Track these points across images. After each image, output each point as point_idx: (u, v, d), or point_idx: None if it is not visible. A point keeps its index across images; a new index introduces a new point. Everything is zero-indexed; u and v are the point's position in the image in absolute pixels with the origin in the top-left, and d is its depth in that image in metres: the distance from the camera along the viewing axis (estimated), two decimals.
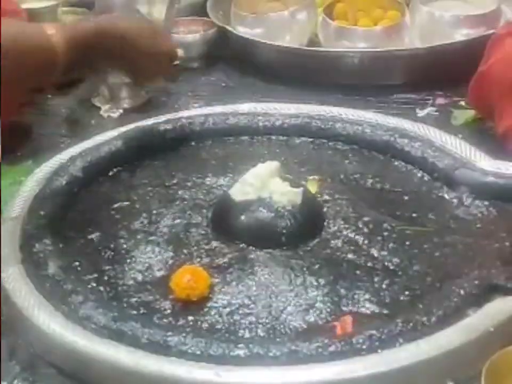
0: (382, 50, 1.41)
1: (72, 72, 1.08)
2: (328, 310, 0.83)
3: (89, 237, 0.95)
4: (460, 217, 0.98)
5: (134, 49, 1.08)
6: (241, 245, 0.92)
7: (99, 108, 1.37)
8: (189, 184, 1.06)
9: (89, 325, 0.79)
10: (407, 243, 0.92)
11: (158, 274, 0.89)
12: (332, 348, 0.75)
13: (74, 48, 0.99)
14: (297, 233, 0.93)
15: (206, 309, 0.83)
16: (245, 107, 1.23)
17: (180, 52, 1.50)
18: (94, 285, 0.87)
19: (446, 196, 1.02)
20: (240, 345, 0.76)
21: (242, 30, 1.52)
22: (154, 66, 1.15)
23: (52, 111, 1.39)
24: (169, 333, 0.77)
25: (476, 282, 0.82)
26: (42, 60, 0.98)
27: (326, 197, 1.01)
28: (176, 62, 1.25)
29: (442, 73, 1.36)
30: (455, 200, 1.01)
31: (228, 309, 0.83)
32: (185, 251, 0.92)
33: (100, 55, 1.08)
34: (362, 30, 1.47)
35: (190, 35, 1.54)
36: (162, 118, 1.20)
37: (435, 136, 1.11)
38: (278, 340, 0.78)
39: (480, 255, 0.89)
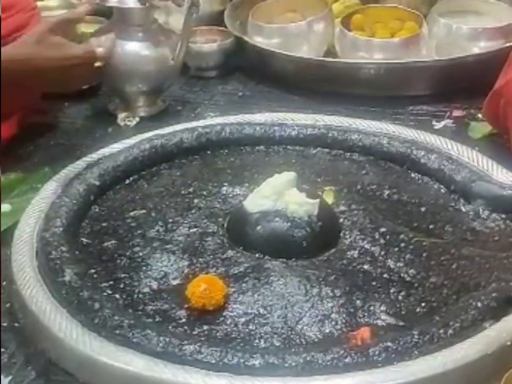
0: (399, 62, 1.41)
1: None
2: (344, 321, 0.82)
3: (105, 244, 0.96)
4: (476, 229, 0.98)
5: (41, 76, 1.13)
6: (257, 255, 0.92)
7: (116, 116, 1.38)
8: (205, 193, 1.06)
9: (104, 332, 0.79)
10: (424, 255, 0.92)
11: (174, 282, 0.89)
12: (347, 359, 0.75)
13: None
14: (313, 244, 0.93)
15: (221, 318, 0.83)
16: (261, 117, 1.23)
17: (196, 62, 1.52)
18: (110, 292, 0.87)
19: (463, 209, 1.02)
20: (255, 355, 0.76)
21: (259, 40, 1.53)
22: (74, 75, 1.18)
23: (69, 119, 1.40)
24: (185, 342, 0.77)
25: (493, 295, 0.82)
26: None
27: (342, 208, 1.01)
28: (98, 64, 1.25)
29: (459, 86, 1.36)
30: (471, 213, 1.01)
31: (243, 319, 0.83)
32: (201, 260, 0.92)
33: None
34: (379, 41, 1.47)
35: (207, 44, 1.54)
36: (178, 127, 1.20)
37: (452, 148, 1.11)
38: (293, 350, 0.78)
39: (497, 268, 0.89)
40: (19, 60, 1.09)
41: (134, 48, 1.33)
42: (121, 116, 1.37)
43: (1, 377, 0.81)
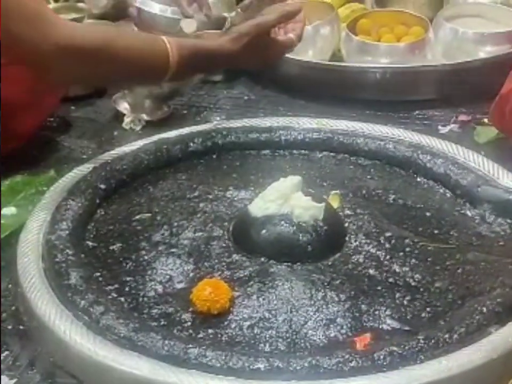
0: (405, 66, 1.42)
1: (177, 79, 1.19)
2: (349, 325, 0.82)
3: (111, 247, 0.96)
4: (482, 234, 0.97)
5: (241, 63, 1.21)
6: (262, 259, 0.92)
7: (122, 120, 1.38)
8: (210, 196, 1.06)
9: (109, 335, 0.79)
10: (429, 259, 0.92)
11: (179, 286, 0.89)
12: (352, 363, 0.75)
13: (184, 61, 1.09)
14: (319, 248, 0.93)
15: (226, 322, 0.83)
16: (267, 121, 1.23)
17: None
18: (115, 295, 0.87)
19: (469, 213, 1.02)
20: (260, 359, 0.76)
21: None
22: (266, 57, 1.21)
23: (75, 122, 1.40)
24: (190, 345, 0.77)
25: (498, 300, 0.82)
26: (156, 64, 1.08)
27: (348, 212, 1.01)
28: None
29: (465, 90, 1.36)
30: (477, 217, 1.01)
31: (248, 322, 0.83)
32: (206, 264, 0.92)
33: (205, 70, 1.25)
34: (385, 45, 1.47)
35: None
36: (184, 131, 1.20)
37: (458, 153, 1.11)
38: (298, 354, 0.78)
39: (502, 273, 0.88)
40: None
41: None
42: (127, 119, 1.38)
43: (6, 379, 0.81)
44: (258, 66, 1.28)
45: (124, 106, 1.39)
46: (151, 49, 1.09)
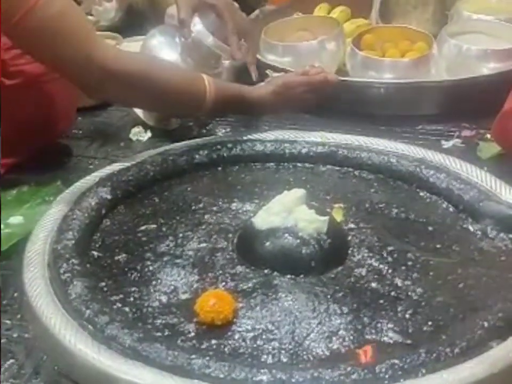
0: (409, 81, 1.42)
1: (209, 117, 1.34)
2: (351, 338, 0.83)
3: (116, 258, 0.96)
4: (484, 249, 0.98)
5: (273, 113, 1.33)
6: (265, 271, 0.93)
7: (128, 132, 1.39)
8: (215, 208, 1.06)
9: (114, 345, 0.80)
10: (431, 274, 0.92)
11: (183, 297, 0.89)
12: (354, 376, 0.75)
13: (219, 102, 1.17)
14: (322, 261, 0.93)
15: (229, 333, 0.83)
16: (272, 134, 1.24)
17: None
18: (120, 305, 0.88)
19: (471, 228, 1.02)
20: (263, 370, 0.76)
21: (271, 58, 1.54)
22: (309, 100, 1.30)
23: (82, 133, 1.41)
24: (193, 356, 0.77)
25: (500, 314, 0.82)
26: (193, 100, 1.16)
27: (351, 226, 1.01)
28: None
29: (468, 106, 1.37)
30: (479, 233, 1.01)
31: (251, 334, 0.83)
32: (210, 275, 0.92)
33: (237, 113, 1.34)
34: (390, 61, 1.48)
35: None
36: (190, 143, 1.21)
37: (460, 168, 1.11)
38: (300, 366, 0.78)
39: (504, 288, 0.89)
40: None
41: None
42: (133, 130, 1.39)
43: None
44: (299, 108, 1.36)
45: (129, 125, 1.40)
46: (190, 84, 1.16)
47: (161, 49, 1.35)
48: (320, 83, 1.27)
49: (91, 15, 1.72)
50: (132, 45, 1.54)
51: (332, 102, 1.43)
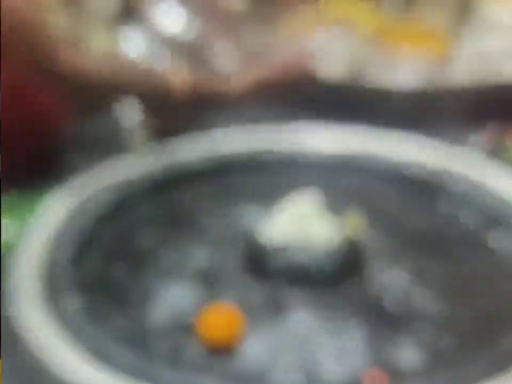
0: (428, 86, 1.40)
1: None
2: (365, 358, 0.80)
3: (115, 272, 0.94)
4: (506, 264, 0.95)
5: None
6: (274, 286, 0.90)
7: (126, 138, 1.37)
8: (220, 215, 1.05)
9: (114, 365, 0.76)
10: (451, 290, 0.89)
11: (186, 314, 0.86)
12: None
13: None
14: (334, 275, 0.91)
15: (235, 353, 0.81)
16: (282, 137, 1.21)
17: None
18: (119, 322, 0.85)
19: (491, 242, 0.99)
20: None
21: None
22: None
23: (78, 139, 1.40)
24: (197, 376, 0.76)
25: None
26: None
27: (365, 238, 0.98)
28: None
29: (491, 111, 1.34)
30: (502, 247, 0.98)
31: (258, 353, 0.80)
32: (215, 290, 0.90)
33: None
34: (407, 62, 1.45)
35: None
36: (193, 149, 1.18)
37: (482, 177, 1.09)
38: None
39: None
40: None
41: None
42: (134, 138, 1.37)
43: None
44: None
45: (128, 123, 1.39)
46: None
47: None
48: None
49: None
50: None
51: (347, 108, 1.42)
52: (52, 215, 1.02)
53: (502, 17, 1.53)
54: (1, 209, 1.08)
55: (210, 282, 0.91)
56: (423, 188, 1.10)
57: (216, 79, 1.20)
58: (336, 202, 1.06)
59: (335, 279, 0.91)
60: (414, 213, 1.06)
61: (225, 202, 1.08)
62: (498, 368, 0.75)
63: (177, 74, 1.20)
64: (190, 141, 1.18)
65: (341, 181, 1.14)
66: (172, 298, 0.89)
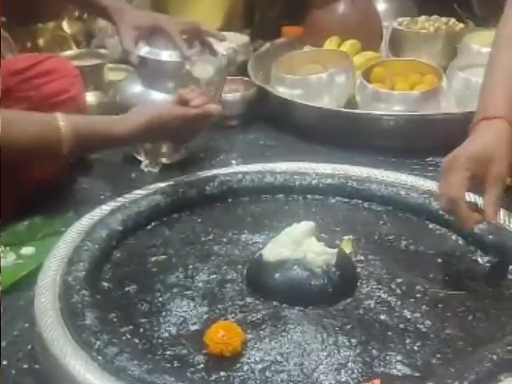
0: (418, 114, 1.44)
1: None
2: (360, 370, 0.83)
3: (126, 289, 0.97)
4: (493, 281, 0.97)
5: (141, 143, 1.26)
6: (275, 303, 0.93)
7: (139, 163, 1.40)
8: (224, 240, 1.07)
9: (123, 376, 0.80)
10: (440, 306, 0.92)
11: (193, 328, 0.89)
12: None
13: (81, 139, 1.09)
14: (331, 293, 0.94)
15: (238, 365, 0.84)
16: (282, 166, 1.24)
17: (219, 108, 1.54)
18: (129, 336, 0.88)
19: (480, 260, 1.02)
20: None
21: (281, 91, 1.56)
22: (186, 134, 1.21)
23: (94, 165, 1.42)
24: None
25: (509, 347, 0.82)
26: (51, 145, 1.08)
27: (360, 257, 1.02)
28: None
29: None
30: (488, 265, 1.01)
31: (260, 366, 0.83)
32: (219, 306, 0.93)
33: (109, 148, 1.24)
34: (399, 93, 1.50)
35: (230, 94, 1.57)
36: (200, 175, 1.22)
37: (469, 200, 1.10)
38: None
39: None
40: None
41: (161, 98, 1.37)
42: (144, 162, 1.40)
43: None
44: (175, 141, 1.29)
45: (142, 149, 1.42)
46: (39, 130, 1.08)
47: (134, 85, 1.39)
48: (199, 116, 1.16)
49: (104, 47, 1.74)
50: None
51: (341, 133, 1.45)
52: (69, 238, 1.04)
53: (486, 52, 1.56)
54: (22, 233, 1.11)
55: (214, 299, 0.94)
56: (413, 210, 1.13)
57: None
58: (331, 225, 1.10)
59: (330, 298, 0.93)
60: (405, 234, 1.08)
61: (231, 228, 1.10)
62: (481, 376, 0.78)
63: None
64: (196, 176, 1.22)
65: (335, 204, 1.18)
66: (179, 314, 0.92)
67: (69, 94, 1.29)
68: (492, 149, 0.96)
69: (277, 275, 0.95)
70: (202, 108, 1.15)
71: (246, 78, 1.63)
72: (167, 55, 1.36)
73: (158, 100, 1.37)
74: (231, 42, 1.45)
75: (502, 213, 1.07)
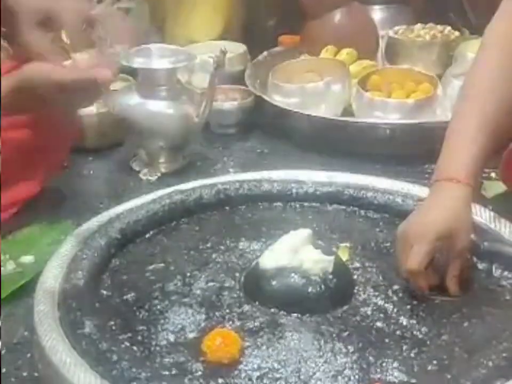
0: (414, 122, 1.45)
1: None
2: (357, 377, 0.83)
3: (125, 297, 0.97)
4: (488, 288, 0.98)
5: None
6: (272, 310, 0.94)
7: (138, 171, 1.41)
8: (222, 248, 1.08)
9: (123, 381, 0.80)
10: (436, 312, 0.93)
11: (191, 336, 0.90)
12: None
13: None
14: (328, 300, 0.94)
15: (236, 372, 0.84)
16: (279, 174, 1.25)
17: (216, 119, 1.55)
18: (128, 344, 0.88)
19: (475, 267, 1.02)
20: None
21: (278, 99, 1.56)
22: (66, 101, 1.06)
23: (92, 173, 1.43)
24: None
25: (504, 354, 0.83)
26: None
27: (357, 265, 1.03)
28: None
29: None
30: (484, 272, 1.01)
31: (258, 373, 0.84)
32: (217, 314, 0.93)
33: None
34: (395, 102, 1.50)
35: (227, 103, 1.58)
36: (198, 183, 1.22)
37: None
38: None
39: (508, 327, 0.89)
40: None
41: (158, 107, 1.38)
42: (143, 170, 1.41)
43: None
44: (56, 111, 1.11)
45: (140, 158, 1.43)
46: None
47: None
48: (79, 81, 0.98)
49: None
50: None
51: (338, 142, 1.46)
52: (68, 246, 1.05)
53: None
54: (21, 241, 1.11)
55: (212, 307, 0.95)
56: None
57: None
58: (328, 232, 1.11)
59: (327, 305, 0.94)
60: None
61: (229, 236, 1.11)
62: (477, 382, 0.79)
63: None
64: (194, 184, 1.22)
65: (331, 212, 1.18)
66: (177, 322, 0.92)
67: None
68: (457, 222, 0.94)
69: (274, 283, 0.95)
70: (86, 72, 0.98)
71: (243, 87, 1.64)
72: (157, 63, 1.37)
73: (153, 108, 1.38)
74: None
75: (498, 219, 1.08)
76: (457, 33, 1.77)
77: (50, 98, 0.99)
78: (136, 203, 1.16)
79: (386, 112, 1.47)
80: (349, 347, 0.87)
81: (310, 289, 0.94)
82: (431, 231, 0.93)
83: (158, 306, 0.95)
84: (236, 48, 1.78)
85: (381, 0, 1.97)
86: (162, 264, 1.04)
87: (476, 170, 0.97)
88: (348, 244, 1.07)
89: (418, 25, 1.81)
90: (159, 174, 1.40)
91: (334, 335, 0.89)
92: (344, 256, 1.04)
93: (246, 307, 0.95)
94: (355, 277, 1.00)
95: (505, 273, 1.00)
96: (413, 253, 0.93)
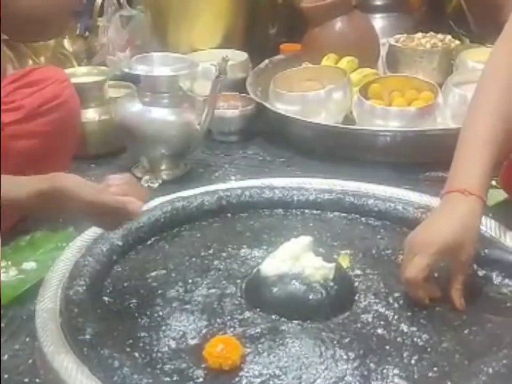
0: (415, 129, 1.45)
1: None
2: (358, 383, 0.83)
3: (126, 303, 0.97)
4: (489, 295, 0.99)
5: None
6: (273, 317, 0.94)
7: (139, 178, 1.41)
8: (224, 255, 1.08)
9: None
10: (437, 319, 0.93)
11: (192, 342, 0.90)
12: None
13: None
14: (329, 307, 0.94)
15: (237, 379, 0.84)
16: (280, 181, 1.26)
17: (218, 126, 1.56)
18: (130, 350, 0.89)
19: (476, 274, 1.02)
20: None
21: (279, 107, 1.57)
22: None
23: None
24: None
25: (504, 361, 0.83)
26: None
27: (358, 272, 1.03)
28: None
29: None
30: (484, 279, 1.02)
31: (259, 379, 0.84)
32: (218, 320, 0.94)
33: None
34: (396, 110, 1.51)
35: (229, 110, 1.60)
36: (200, 190, 1.23)
37: None
38: None
39: (508, 334, 0.90)
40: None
41: (160, 114, 1.39)
42: (144, 177, 1.42)
43: None
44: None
45: (141, 165, 1.43)
46: None
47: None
48: (109, 208, 0.91)
49: (105, 65, 1.76)
50: None
51: (339, 149, 1.46)
52: (70, 253, 1.05)
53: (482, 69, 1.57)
54: (24, 248, 1.11)
55: (213, 314, 0.95)
56: (409, 225, 1.11)
57: None
58: (329, 240, 1.11)
59: (328, 312, 0.94)
60: (402, 249, 1.04)
61: (230, 243, 1.11)
62: None
63: None
64: (196, 191, 1.22)
65: (332, 219, 1.19)
66: (178, 329, 0.92)
67: (61, 98, 1.28)
68: (465, 234, 0.94)
69: (275, 289, 0.96)
70: (118, 200, 0.92)
71: (245, 95, 1.65)
72: (160, 71, 1.38)
73: (155, 116, 1.39)
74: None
75: (498, 227, 1.08)
76: (457, 41, 1.78)
77: (76, 213, 0.95)
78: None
79: (387, 120, 1.48)
80: (350, 354, 0.87)
81: (311, 296, 0.94)
82: (436, 243, 0.93)
83: (160, 313, 0.95)
84: (238, 56, 1.79)
85: (382, 9, 1.98)
86: (163, 271, 1.04)
87: (487, 182, 0.98)
88: (348, 251, 1.08)
89: (419, 34, 1.81)
90: (160, 181, 1.41)
91: (335, 341, 0.89)
92: (345, 263, 1.04)
93: (247, 314, 0.95)
94: (356, 284, 1.00)
95: (506, 280, 1.00)
96: (413, 263, 0.93)
